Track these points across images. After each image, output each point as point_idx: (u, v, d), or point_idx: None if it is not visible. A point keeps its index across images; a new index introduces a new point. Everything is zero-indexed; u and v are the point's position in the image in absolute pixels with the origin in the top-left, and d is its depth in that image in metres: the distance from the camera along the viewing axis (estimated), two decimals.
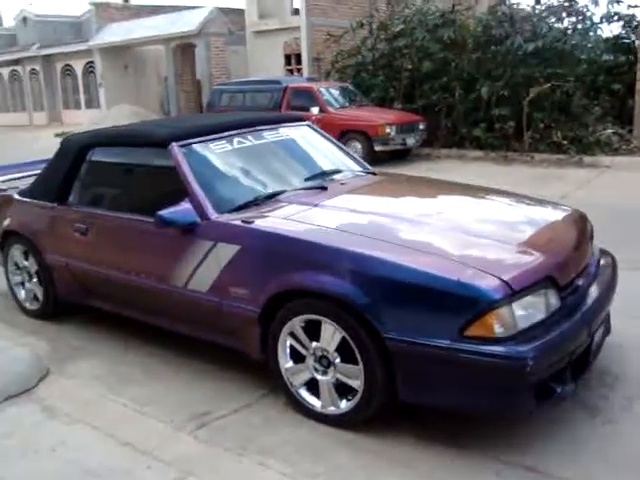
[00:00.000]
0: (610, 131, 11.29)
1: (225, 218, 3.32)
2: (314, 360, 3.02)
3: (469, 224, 3.20)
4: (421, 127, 11.89)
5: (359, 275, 2.80)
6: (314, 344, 2.99)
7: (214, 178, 3.59)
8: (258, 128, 4.02)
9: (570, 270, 2.96)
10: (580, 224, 3.42)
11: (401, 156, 12.02)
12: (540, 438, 2.86)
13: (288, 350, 3.10)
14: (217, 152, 3.70)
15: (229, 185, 3.62)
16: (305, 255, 2.99)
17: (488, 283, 2.58)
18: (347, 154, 4.48)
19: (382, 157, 11.66)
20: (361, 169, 4.30)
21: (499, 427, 2.95)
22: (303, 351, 3.05)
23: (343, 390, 2.96)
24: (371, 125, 11.29)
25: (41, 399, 3.37)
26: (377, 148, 11.31)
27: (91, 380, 3.64)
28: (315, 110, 11.80)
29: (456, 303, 2.58)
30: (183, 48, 20.35)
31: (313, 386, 3.07)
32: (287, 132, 4.21)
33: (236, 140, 3.82)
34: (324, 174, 3.97)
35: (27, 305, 4.68)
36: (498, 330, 2.53)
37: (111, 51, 21.99)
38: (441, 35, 12.04)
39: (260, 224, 3.21)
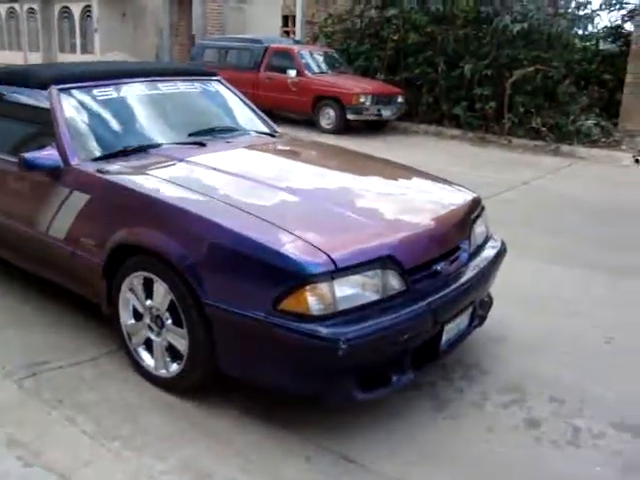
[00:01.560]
0: (591, 122, 10.99)
1: (85, 166, 3.20)
2: (150, 319, 2.92)
3: (334, 196, 3.07)
4: (399, 100, 11.62)
5: (187, 236, 2.69)
6: (149, 302, 2.89)
7: (86, 125, 3.46)
8: (155, 79, 3.87)
9: (426, 253, 2.80)
10: (464, 207, 3.23)
11: (377, 127, 11.79)
12: (367, 427, 2.75)
13: (131, 307, 3.00)
14: (99, 99, 3.56)
15: (100, 133, 3.47)
16: (145, 210, 2.88)
17: (308, 256, 2.44)
18: (255, 114, 4.32)
19: (356, 126, 11.44)
20: (264, 131, 4.14)
21: (327, 411, 2.83)
22: (140, 309, 2.95)
23: (176, 353, 2.86)
24: (345, 93, 11.02)
25: None
26: (350, 116, 11.08)
27: None
28: (292, 73, 11.56)
29: (273, 274, 2.45)
30: (180, 1, 19.93)
31: (150, 346, 2.98)
32: (188, 85, 4.06)
33: (125, 88, 3.68)
34: (213, 131, 3.83)
35: None
36: (314, 307, 2.39)
37: None
38: (430, 7, 11.68)
39: (111, 175, 3.09)
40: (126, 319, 3.02)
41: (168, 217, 2.78)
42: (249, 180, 3.09)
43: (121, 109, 3.61)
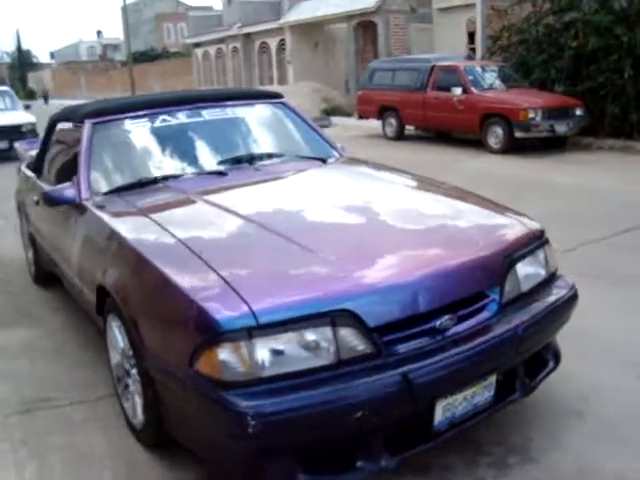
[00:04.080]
0: None
1: (90, 201, 3.12)
2: (125, 363, 2.68)
3: (316, 232, 2.59)
4: (578, 113, 10.30)
5: (133, 280, 2.50)
6: (121, 345, 2.66)
7: (109, 157, 3.39)
8: (199, 105, 3.72)
9: (412, 305, 2.17)
10: (495, 244, 2.51)
11: (555, 145, 10.56)
12: None
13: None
14: (129, 131, 3.50)
15: (120, 165, 3.38)
16: (116, 251, 2.70)
17: (223, 307, 2.00)
18: (315, 137, 3.96)
19: (530, 144, 10.34)
20: (315, 155, 3.74)
21: None
22: (119, 351, 2.73)
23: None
24: (512, 108, 10.05)
25: None
26: (517, 134, 10.08)
27: None
28: (457, 90, 10.89)
29: (188, 327, 2.07)
30: (364, 25, 20.13)
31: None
32: (240, 110, 3.84)
33: (161, 118, 3.57)
34: (249, 157, 3.53)
35: None
36: (225, 371, 1.96)
37: (300, 29, 22.51)
38: (612, 5, 10.23)
39: (103, 212, 2.97)
40: (113, 358, 2.84)
41: (127, 260, 2.55)
42: (234, 215, 2.69)
43: (150, 140, 3.48)
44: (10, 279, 5.02)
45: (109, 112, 3.56)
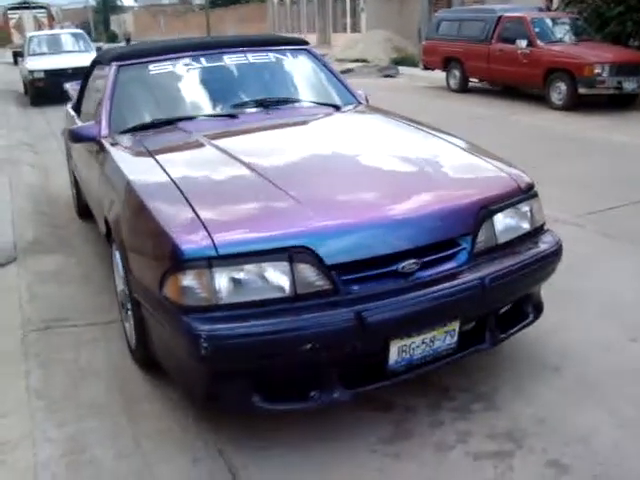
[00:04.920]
0: None
1: (108, 138, 3.32)
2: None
3: (296, 174, 2.70)
4: None
5: (125, 210, 2.69)
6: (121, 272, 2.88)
7: (130, 98, 3.57)
8: (223, 51, 3.84)
9: (374, 246, 2.26)
10: (470, 193, 2.53)
11: (625, 103, 10.06)
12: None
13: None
14: (151, 74, 3.65)
15: (139, 106, 3.57)
16: (116, 181, 2.90)
17: (188, 237, 2.16)
18: (335, 85, 4.01)
19: (595, 101, 9.87)
20: (331, 102, 3.80)
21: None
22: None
23: None
24: (577, 63, 9.60)
25: None
26: (581, 90, 9.64)
27: None
28: (522, 43, 10.47)
29: (160, 253, 2.26)
30: None
31: None
32: (262, 56, 3.93)
33: (184, 62, 3.72)
34: (265, 102, 3.63)
35: None
36: (187, 296, 2.13)
37: None
38: None
39: (114, 147, 3.17)
40: (118, 285, 3.07)
41: (123, 193, 2.74)
42: (229, 157, 2.81)
43: (170, 83, 3.65)
44: (57, 213, 5.39)
45: (135, 55, 3.74)
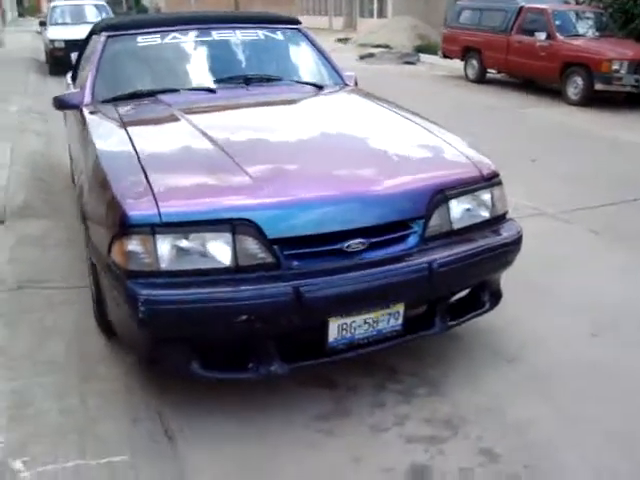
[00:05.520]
0: None
1: (89, 107, 3.37)
2: None
3: (255, 149, 2.74)
4: None
5: (86, 173, 2.79)
6: None
7: (115, 68, 3.61)
8: (211, 26, 3.87)
9: (319, 223, 2.29)
10: (426, 177, 2.54)
11: None
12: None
13: None
14: (139, 45, 3.70)
15: (124, 77, 3.61)
16: (86, 147, 2.95)
17: (135, 204, 2.22)
18: (323, 65, 4.02)
19: (613, 98, 9.72)
20: (314, 82, 3.82)
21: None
22: None
23: None
24: (595, 58, 9.45)
25: None
26: (597, 86, 9.49)
27: None
28: (541, 35, 10.32)
29: (110, 218, 2.32)
30: None
31: None
32: (251, 33, 3.94)
33: (172, 36, 3.75)
34: (246, 79, 3.65)
35: None
36: (129, 261, 2.18)
37: None
38: None
39: (92, 115, 3.22)
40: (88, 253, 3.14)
41: (89, 157, 2.80)
42: (196, 130, 2.83)
43: (156, 55, 3.69)
44: (54, 181, 5.48)
45: (126, 27, 3.78)
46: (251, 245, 2.22)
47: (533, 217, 4.56)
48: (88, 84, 3.50)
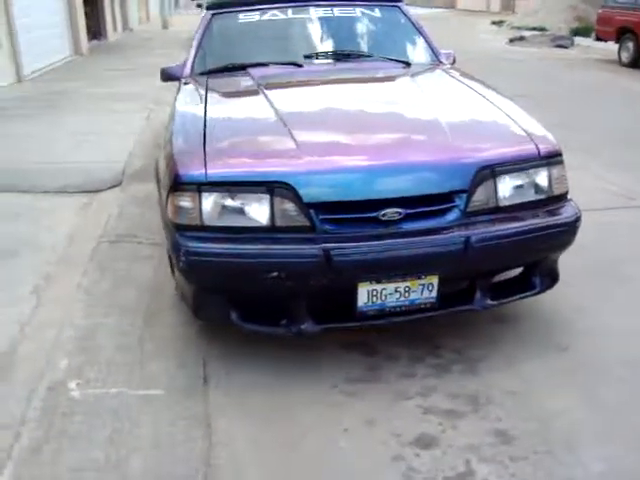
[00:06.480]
0: None
1: (187, 78, 3.67)
2: None
3: (314, 120, 2.88)
4: None
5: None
6: None
7: (213, 43, 3.90)
8: (309, 4, 4.01)
9: (356, 191, 2.35)
10: (472, 152, 2.50)
11: None
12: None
13: None
14: (239, 22, 3.94)
15: (220, 51, 3.85)
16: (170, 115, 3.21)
17: (187, 163, 2.43)
18: (419, 43, 4.01)
19: None
20: (406, 60, 3.81)
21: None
22: None
23: None
24: None
25: None
26: None
27: None
28: None
29: (168, 178, 2.52)
30: None
31: None
32: (349, 10, 4.04)
33: (271, 13, 3.95)
34: (335, 54, 3.77)
35: None
36: (177, 215, 2.39)
37: None
38: None
39: (185, 86, 3.50)
40: None
41: (170, 119, 3.07)
42: (268, 104, 2.95)
43: (253, 31, 3.90)
44: None
45: (230, 4, 4.04)
46: (288, 207, 2.34)
47: None
48: (190, 58, 3.80)
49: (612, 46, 12.28)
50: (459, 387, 2.46)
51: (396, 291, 2.41)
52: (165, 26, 20.70)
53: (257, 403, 2.39)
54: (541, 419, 2.28)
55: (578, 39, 15.95)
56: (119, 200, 4.46)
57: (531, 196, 2.56)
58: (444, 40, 12.87)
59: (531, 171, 2.55)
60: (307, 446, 2.17)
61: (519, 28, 19.02)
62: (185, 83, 3.56)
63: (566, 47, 15.25)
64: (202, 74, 3.66)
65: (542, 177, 2.57)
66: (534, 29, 18.18)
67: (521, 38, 16.48)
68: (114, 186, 4.78)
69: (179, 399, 2.39)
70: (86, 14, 13.81)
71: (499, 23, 21.36)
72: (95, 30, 15.28)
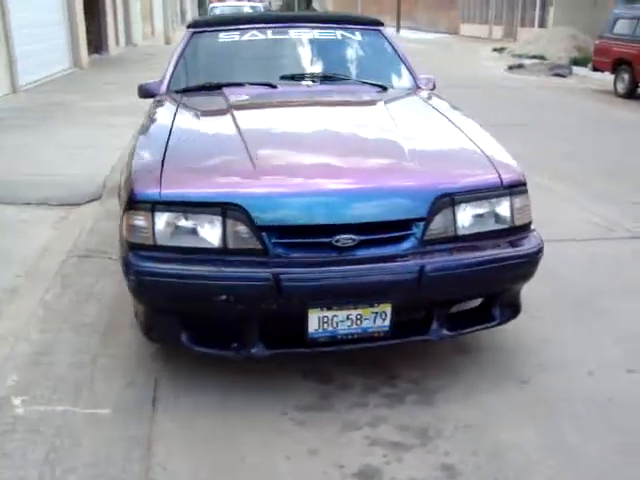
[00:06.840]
0: None
1: (161, 96, 3.67)
2: None
3: (281, 141, 2.89)
4: None
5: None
6: None
7: (191, 61, 3.90)
8: (289, 25, 4.03)
9: (310, 216, 2.33)
10: (427, 180, 2.47)
11: None
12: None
13: None
14: (218, 41, 3.94)
15: (198, 70, 3.88)
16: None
17: (142, 182, 2.42)
18: (398, 68, 4.00)
19: None
20: (384, 84, 3.80)
21: None
22: None
23: None
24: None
25: None
26: None
27: None
28: None
29: (125, 194, 2.51)
30: None
31: None
32: (328, 33, 4.04)
33: (251, 33, 3.96)
34: (312, 76, 3.77)
35: None
36: (130, 233, 2.37)
37: None
38: None
39: (156, 105, 3.50)
40: None
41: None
42: (233, 124, 2.93)
43: (231, 51, 3.92)
44: None
45: (210, 24, 4.08)
46: (240, 230, 2.32)
47: None
48: (167, 75, 3.80)
49: (608, 77, 12.36)
50: (410, 418, 2.42)
51: (348, 318, 2.38)
52: (168, 42, 20.89)
53: (203, 427, 2.35)
54: (492, 454, 2.23)
55: (577, 69, 16.05)
56: (96, 214, 4.44)
57: (492, 226, 2.53)
58: (445, 65, 13.09)
59: (493, 200, 2.52)
60: (245, 472, 2.13)
61: (520, 56, 19.17)
62: (158, 101, 3.56)
63: (564, 76, 15.35)
64: (177, 92, 3.66)
65: (504, 207, 2.54)
66: (534, 57, 18.33)
67: (520, 66, 16.59)
68: (94, 199, 4.76)
69: (125, 419, 2.35)
70: (87, 28, 13.96)
71: (500, 50, 21.54)
72: (96, 44, 15.43)
